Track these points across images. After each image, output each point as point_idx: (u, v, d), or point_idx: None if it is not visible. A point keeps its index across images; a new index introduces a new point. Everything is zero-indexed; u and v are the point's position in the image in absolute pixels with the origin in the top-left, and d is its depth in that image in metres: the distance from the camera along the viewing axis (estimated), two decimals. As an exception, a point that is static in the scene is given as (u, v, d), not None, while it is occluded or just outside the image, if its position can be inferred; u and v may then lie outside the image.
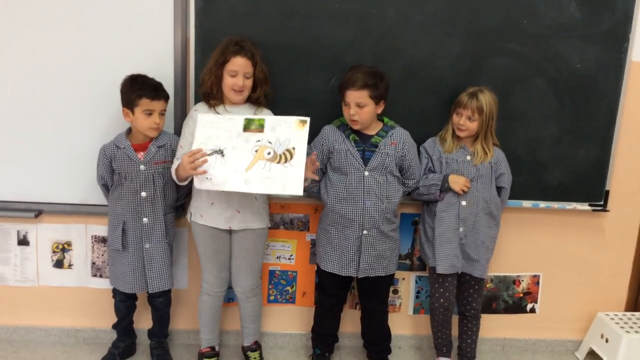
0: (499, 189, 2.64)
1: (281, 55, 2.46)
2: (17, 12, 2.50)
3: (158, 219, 2.52)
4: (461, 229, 2.57)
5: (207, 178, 2.25)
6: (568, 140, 2.74)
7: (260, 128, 2.26)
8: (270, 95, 2.46)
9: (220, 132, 2.28)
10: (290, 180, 2.21)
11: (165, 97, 2.43)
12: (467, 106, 2.48)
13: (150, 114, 2.38)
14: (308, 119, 2.24)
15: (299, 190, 2.20)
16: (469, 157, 2.57)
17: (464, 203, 2.56)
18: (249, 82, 2.36)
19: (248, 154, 2.25)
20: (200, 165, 2.24)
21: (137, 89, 2.37)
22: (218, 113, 2.41)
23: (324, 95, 2.60)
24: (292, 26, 2.54)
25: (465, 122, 2.51)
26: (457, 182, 2.54)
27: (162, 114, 2.42)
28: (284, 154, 2.23)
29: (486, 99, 2.48)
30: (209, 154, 2.26)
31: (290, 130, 2.24)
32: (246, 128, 2.27)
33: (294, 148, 2.23)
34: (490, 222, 2.63)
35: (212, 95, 2.41)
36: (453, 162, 2.58)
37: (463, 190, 2.54)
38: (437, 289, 2.68)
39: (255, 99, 2.42)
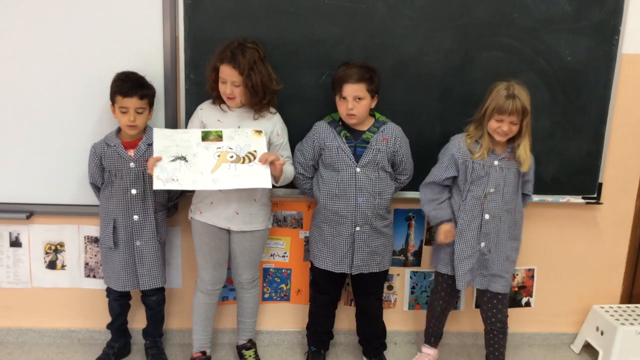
0: (523, 196, 2.57)
1: (271, 52, 2.43)
2: (4, 13, 2.49)
3: (148, 216, 2.52)
4: (482, 244, 2.49)
5: (173, 179, 2.27)
6: (560, 133, 2.74)
7: (219, 138, 2.35)
8: (272, 101, 2.43)
9: (178, 143, 2.33)
10: (258, 175, 2.30)
11: (141, 95, 2.38)
12: (512, 111, 2.31)
13: (125, 112, 2.38)
14: (263, 130, 2.37)
15: (268, 184, 2.31)
16: (497, 162, 2.45)
17: (487, 217, 2.47)
18: (238, 90, 2.33)
19: (211, 159, 2.32)
20: (151, 168, 2.26)
21: (114, 85, 2.39)
22: (222, 110, 2.43)
23: (314, 91, 2.59)
24: (281, 23, 2.53)
25: (509, 127, 2.35)
26: (445, 231, 2.50)
27: (138, 112, 2.39)
28: (247, 155, 2.32)
29: (523, 95, 2.34)
30: (172, 160, 2.29)
31: (248, 138, 2.36)
32: (204, 139, 2.35)
33: (255, 151, 2.34)
34: (514, 233, 2.56)
35: (214, 94, 2.42)
36: (479, 168, 2.46)
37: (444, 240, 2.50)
38: (439, 290, 2.69)
39: (250, 105, 2.40)
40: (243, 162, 2.32)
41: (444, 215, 2.53)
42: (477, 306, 2.76)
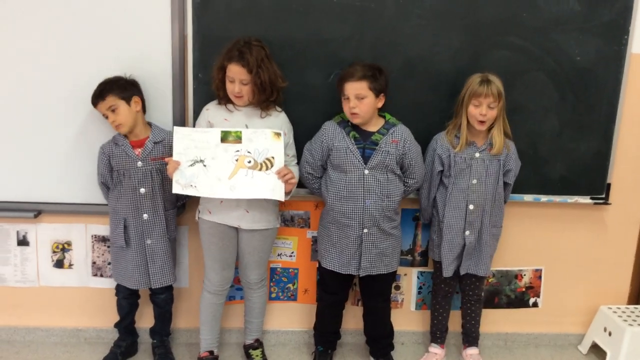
0: (505, 185, 2.63)
1: (279, 51, 2.43)
2: (13, 13, 2.48)
3: (158, 214, 2.52)
4: (467, 232, 2.58)
5: (191, 186, 2.30)
6: (569, 133, 2.73)
7: (238, 139, 2.35)
8: (278, 99, 2.43)
9: (197, 143, 2.34)
10: (273, 186, 2.35)
11: (102, 95, 2.39)
12: (488, 94, 2.40)
13: (106, 118, 2.42)
14: (282, 132, 2.38)
15: (281, 197, 2.36)
16: (477, 155, 2.52)
17: (471, 207, 2.55)
18: (246, 88, 2.34)
19: (229, 163, 2.34)
20: (171, 173, 2.30)
21: None
22: (228, 110, 2.43)
23: (322, 91, 2.58)
24: (289, 22, 2.53)
25: (487, 111, 2.43)
26: None
27: (112, 110, 2.39)
28: (264, 162, 2.34)
29: (497, 81, 2.44)
30: (191, 165, 2.31)
31: (267, 141, 2.36)
32: (224, 139, 2.35)
33: (273, 157, 2.35)
34: (495, 221, 2.64)
35: (220, 94, 2.41)
36: (461, 162, 2.53)
37: None
38: (440, 277, 2.73)
39: (257, 103, 2.40)
40: (260, 169, 2.34)
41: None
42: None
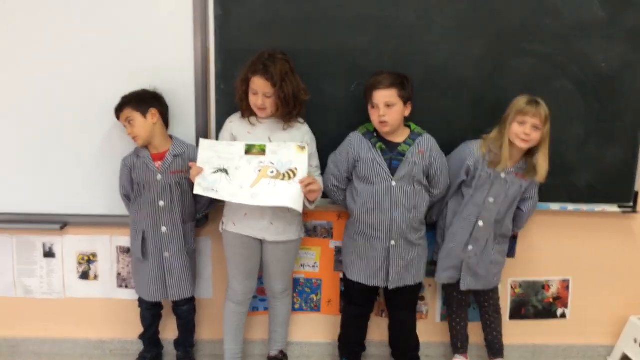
0: (517, 210, 2.59)
1: (301, 62, 2.43)
2: (42, 29, 2.54)
3: (176, 227, 2.53)
4: (470, 247, 2.54)
5: (212, 189, 2.32)
6: (595, 140, 2.69)
7: (262, 152, 2.37)
8: (301, 111, 2.43)
9: (222, 154, 2.37)
10: (295, 196, 2.33)
11: (119, 109, 2.45)
12: (535, 114, 2.35)
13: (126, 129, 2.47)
14: (307, 145, 2.38)
15: (300, 207, 2.34)
16: (503, 175, 2.48)
17: (480, 224, 2.51)
18: (269, 101, 2.34)
19: (252, 173, 2.35)
20: (193, 176, 2.33)
21: None
22: (251, 123, 2.44)
23: (344, 101, 2.59)
24: (311, 33, 2.54)
25: (531, 131, 2.37)
26: None
27: (128, 122, 2.43)
28: (287, 172, 2.34)
29: (545, 106, 2.38)
30: (214, 172, 2.33)
31: (291, 154, 2.37)
32: (248, 152, 2.38)
33: (296, 168, 2.35)
34: (501, 240, 2.61)
35: (242, 106, 2.42)
36: (485, 177, 2.48)
37: None
38: (452, 285, 2.69)
39: (280, 116, 2.41)
40: (283, 179, 2.34)
41: None
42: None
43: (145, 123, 2.44)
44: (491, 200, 2.49)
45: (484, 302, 2.74)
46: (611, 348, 2.99)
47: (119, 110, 2.46)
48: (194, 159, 2.40)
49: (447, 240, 2.58)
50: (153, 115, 2.45)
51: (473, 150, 2.50)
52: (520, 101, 2.39)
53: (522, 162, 2.50)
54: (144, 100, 2.45)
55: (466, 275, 2.58)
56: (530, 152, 2.47)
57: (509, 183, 2.49)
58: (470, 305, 2.81)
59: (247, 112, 2.44)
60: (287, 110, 2.37)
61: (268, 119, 2.43)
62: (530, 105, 2.37)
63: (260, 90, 2.32)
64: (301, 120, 2.49)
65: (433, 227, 2.70)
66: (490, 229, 2.53)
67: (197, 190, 2.32)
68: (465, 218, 2.53)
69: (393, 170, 2.42)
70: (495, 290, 2.73)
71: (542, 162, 2.44)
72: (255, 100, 2.35)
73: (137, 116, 2.42)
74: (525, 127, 2.37)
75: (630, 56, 2.62)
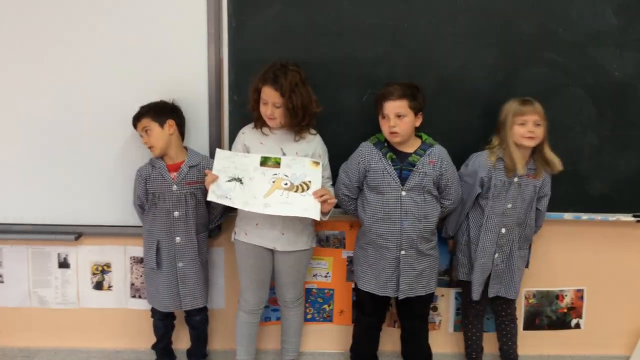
0: (536, 211, 2.59)
1: (313, 72, 2.44)
2: (54, 41, 2.57)
3: (190, 238, 2.54)
4: (496, 255, 2.54)
5: (226, 197, 2.32)
6: (608, 149, 2.68)
7: (277, 165, 2.38)
8: (311, 123, 2.44)
9: (237, 165, 2.38)
10: (309, 206, 2.34)
11: (139, 117, 2.47)
12: (532, 112, 2.39)
13: (142, 138, 2.49)
14: (320, 161, 2.41)
15: (317, 216, 2.33)
16: (516, 179, 2.48)
17: (503, 231, 2.51)
18: (278, 112, 2.35)
19: (266, 184, 2.36)
20: (208, 183, 2.32)
21: None
22: (264, 134, 2.45)
23: (356, 111, 2.59)
24: (323, 43, 2.55)
25: (534, 128, 2.40)
26: None
27: (146, 131, 2.46)
28: (300, 185, 2.35)
29: (538, 103, 2.43)
30: (228, 180, 2.34)
31: (306, 168, 2.39)
32: (262, 164, 2.39)
33: (310, 181, 2.37)
34: (522, 244, 2.61)
35: (255, 115, 2.44)
36: (500, 185, 2.48)
37: None
38: (469, 296, 2.67)
39: (289, 126, 2.42)
40: (296, 191, 2.35)
41: None
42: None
43: (162, 133, 2.46)
44: (509, 206, 2.50)
45: (501, 311, 2.73)
46: (626, 358, 2.96)
47: (136, 120, 2.48)
48: (210, 170, 2.41)
49: (478, 256, 2.54)
50: (170, 126, 2.47)
51: (483, 162, 2.51)
52: (514, 104, 2.43)
53: (531, 163, 2.51)
54: (162, 111, 2.48)
55: (494, 283, 2.58)
56: (534, 151, 2.49)
57: (523, 186, 2.50)
58: (485, 315, 2.80)
59: (260, 122, 2.45)
60: (296, 121, 2.38)
61: (279, 129, 2.44)
62: (526, 104, 2.41)
63: (270, 100, 2.34)
64: (313, 131, 2.49)
65: (443, 237, 2.71)
66: (513, 235, 2.54)
67: (211, 197, 2.31)
68: (491, 230, 2.52)
69: (403, 180, 2.41)
70: (513, 302, 2.71)
71: (551, 154, 2.47)
72: (265, 110, 2.37)
73: (154, 126, 2.45)
74: (528, 125, 2.40)
75: (643, 64, 2.61)
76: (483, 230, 2.53)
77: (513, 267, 2.58)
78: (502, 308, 2.72)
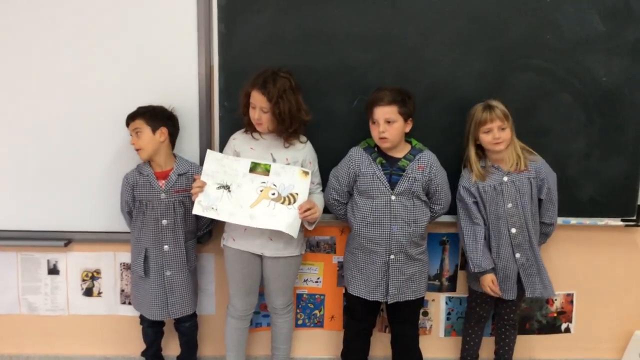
0: (540, 201, 2.57)
1: (303, 79, 2.45)
2: (43, 43, 2.57)
3: (179, 246, 2.53)
4: (517, 255, 2.52)
5: (212, 208, 2.33)
6: (597, 154, 2.70)
7: (266, 172, 2.39)
8: (299, 130, 2.44)
9: (227, 169, 2.38)
10: (292, 221, 2.36)
11: (133, 117, 2.46)
12: (493, 118, 2.42)
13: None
14: (310, 171, 2.42)
15: (295, 233, 2.37)
16: (505, 178, 2.50)
17: (513, 231, 2.50)
18: (265, 117, 2.36)
19: (253, 193, 2.38)
20: (196, 193, 2.33)
21: None
22: (254, 138, 2.46)
23: (347, 117, 2.60)
24: (313, 50, 2.57)
25: (500, 134, 2.44)
26: (485, 282, 2.54)
27: (137, 133, 2.44)
28: (287, 197, 2.38)
29: (500, 104, 2.45)
30: (217, 188, 2.34)
31: (294, 178, 2.40)
32: (252, 170, 2.39)
33: (297, 194, 2.39)
34: (542, 239, 2.64)
35: (246, 119, 2.45)
36: (490, 190, 2.51)
37: (491, 290, 2.52)
38: (476, 301, 2.71)
39: (277, 133, 2.42)
40: (283, 202, 2.36)
41: (484, 266, 2.53)
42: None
43: (152, 139, 2.45)
44: (510, 205, 2.50)
45: (504, 315, 2.72)
46: (616, 362, 2.98)
47: (131, 119, 2.46)
48: (199, 175, 2.41)
49: (497, 263, 2.52)
50: (162, 133, 2.47)
51: (466, 178, 2.55)
52: (477, 113, 2.47)
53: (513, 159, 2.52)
54: (158, 117, 2.47)
55: (529, 282, 2.54)
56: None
57: (516, 182, 2.50)
58: (487, 322, 2.81)
59: (250, 127, 2.46)
60: (283, 128, 2.38)
61: (269, 134, 2.44)
62: (486, 112, 2.44)
63: (258, 104, 2.35)
64: (303, 139, 2.50)
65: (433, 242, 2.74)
66: (526, 231, 2.51)
67: (197, 211, 2.33)
68: (498, 234, 2.52)
69: (393, 185, 2.42)
70: (519, 305, 2.71)
71: (512, 156, 2.49)
72: (252, 114, 2.38)
73: (146, 130, 2.44)
74: (493, 133, 2.44)
75: (631, 70, 2.63)
76: (492, 235, 2.52)
77: (539, 263, 2.54)
78: (506, 312, 2.71)
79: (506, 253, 2.52)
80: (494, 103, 2.46)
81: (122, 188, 2.55)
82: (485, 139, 2.46)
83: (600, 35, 2.59)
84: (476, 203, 2.54)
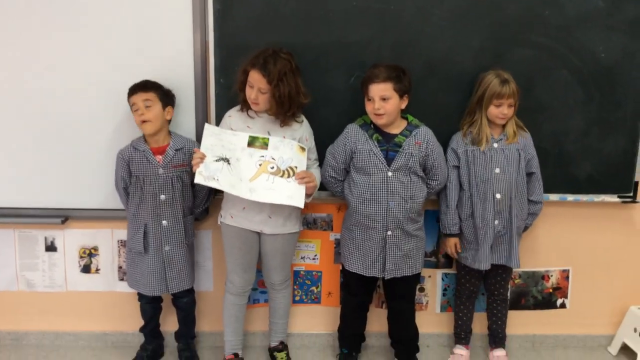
0: (530, 175, 2.61)
1: (300, 56, 2.42)
2: (39, 24, 2.54)
3: (177, 221, 2.54)
4: (496, 222, 2.55)
5: (214, 178, 2.30)
6: (595, 131, 2.69)
7: (264, 146, 2.38)
8: (296, 113, 2.43)
9: (225, 143, 2.36)
10: (293, 193, 2.35)
11: (145, 89, 2.42)
12: (510, 94, 2.45)
13: (136, 110, 2.43)
14: (307, 147, 2.43)
15: (301, 204, 2.35)
16: (496, 145, 2.52)
17: (498, 196, 2.53)
18: (263, 97, 2.34)
19: (252, 167, 2.36)
20: (197, 164, 2.28)
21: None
22: (250, 116, 2.44)
23: (344, 93, 2.59)
24: (310, 27, 2.54)
25: (508, 110, 2.48)
26: (449, 244, 2.66)
27: (147, 105, 2.41)
28: (287, 170, 2.36)
29: (512, 79, 2.47)
30: (216, 160, 2.32)
31: (292, 152, 2.40)
32: (250, 144, 2.38)
33: (296, 167, 2.38)
34: (522, 212, 2.61)
35: (242, 97, 2.42)
36: (479, 154, 2.53)
37: (452, 252, 2.65)
38: (464, 277, 2.75)
39: (274, 114, 2.40)
40: (282, 176, 2.35)
41: (456, 229, 2.63)
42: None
43: (161, 114, 2.45)
44: (497, 171, 2.52)
45: (494, 290, 2.76)
46: (611, 337, 3.00)
47: (142, 88, 2.43)
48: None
49: (479, 225, 2.55)
50: (168, 112, 2.49)
51: (456, 140, 2.59)
52: (494, 84, 2.46)
53: (502, 134, 2.56)
54: (167, 95, 2.49)
55: (495, 251, 2.59)
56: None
57: (505, 151, 2.53)
58: (477, 297, 2.83)
59: (246, 105, 2.44)
60: (282, 110, 2.36)
61: (265, 113, 2.43)
62: (503, 86, 2.45)
63: (256, 84, 2.32)
64: (299, 118, 2.48)
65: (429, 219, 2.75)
66: (509, 200, 2.54)
67: (198, 180, 2.29)
68: (481, 195, 2.54)
69: (390, 161, 2.42)
70: (507, 280, 2.76)
71: (511, 130, 2.54)
72: (249, 93, 2.35)
73: (157, 104, 2.44)
74: (502, 108, 2.47)
75: (630, 46, 2.61)
76: (475, 198, 2.55)
77: (512, 235, 2.58)
78: (495, 287, 2.74)
79: (489, 217, 2.54)
80: (508, 77, 2.47)
81: (116, 164, 2.55)
82: (493, 111, 2.49)
83: (599, 10, 2.57)
84: (457, 167, 2.56)
